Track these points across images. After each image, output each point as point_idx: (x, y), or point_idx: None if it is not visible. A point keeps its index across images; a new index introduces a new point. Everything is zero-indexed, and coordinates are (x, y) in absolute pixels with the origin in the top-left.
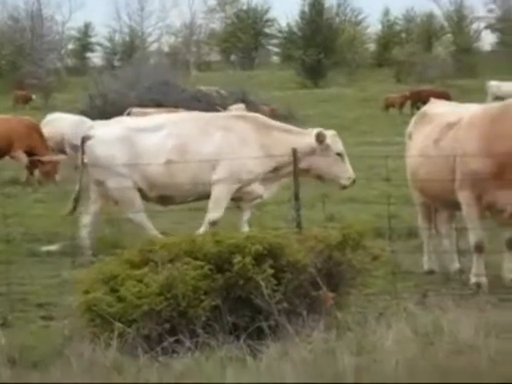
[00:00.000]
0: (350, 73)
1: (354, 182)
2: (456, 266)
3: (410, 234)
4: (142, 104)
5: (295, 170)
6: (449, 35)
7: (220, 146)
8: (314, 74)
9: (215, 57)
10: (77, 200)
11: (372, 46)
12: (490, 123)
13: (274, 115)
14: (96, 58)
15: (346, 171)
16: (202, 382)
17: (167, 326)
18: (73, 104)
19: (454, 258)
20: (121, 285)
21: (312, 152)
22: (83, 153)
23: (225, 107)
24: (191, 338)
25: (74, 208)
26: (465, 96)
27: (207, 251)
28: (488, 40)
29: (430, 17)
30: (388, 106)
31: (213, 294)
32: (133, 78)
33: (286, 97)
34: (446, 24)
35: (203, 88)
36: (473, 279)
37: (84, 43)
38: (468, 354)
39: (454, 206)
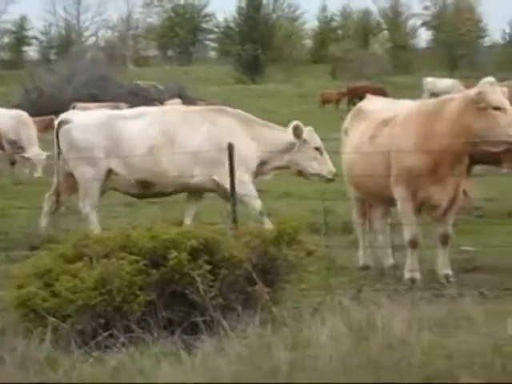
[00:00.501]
0: (287, 69)
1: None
2: (390, 261)
3: (345, 229)
4: (78, 99)
5: (231, 166)
6: (385, 32)
7: (207, 138)
8: (251, 69)
9: (152, 51)
10: (58, 193)
11: (309, 42)
12: (424, 120)
13: None
14: (32, 52)
15: (326, 165)
16: (136, 377)
17: (102, 321)
18: (7, 97)
19: (389, 253)
20: (55, 279)
21: (291, 147)
22: (58, 139)
23: (162, 102)
24: (126, 333)
25: (57, 201)
26: (401, 92)
27: (142, 246)
28: (424, 37)
29: (366, 13)
30: (324, 102)
31: (148, 289)
32: (69, 73)
33: (223, 92)
34: (382, 21)
35: (140, 83)
36: (407, 275)
37: (19, 36)
38: (401, 348)
39: (388, 201)
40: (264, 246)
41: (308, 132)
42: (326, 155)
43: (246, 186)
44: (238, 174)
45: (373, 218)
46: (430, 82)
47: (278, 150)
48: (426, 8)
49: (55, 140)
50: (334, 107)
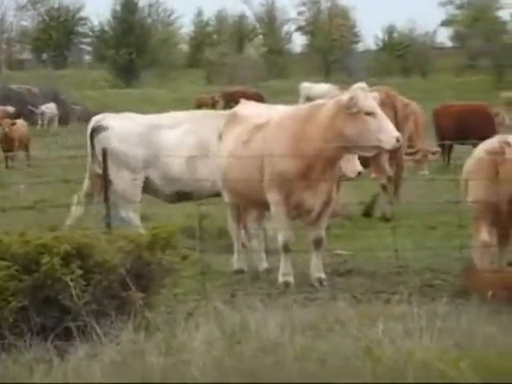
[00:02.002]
0: (163, 73)
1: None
2: (264, 265)
3: (220, 233)
4: None
5: (105, 170)
6: (260, 37)
7: None
8: (127, 73)
9: (27, 55)
10: (90, 194)
11: (184, 47)
12: (297, 124)
13: (86, 115)
14: None
15: (351, 163)
16: None
17: None
18: None
19: (263, 257)
20: None
21: None
22: (93, 145)
23: (36, 106)
24: None
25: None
26: (276, 97)
27: (14, 251)
28: (298, 42)
29: (242, 18)
30: (200, 106)
31: (20, 295)
32: None
33: (98, 96)
34: (257, 25)
35: (14, 87)
36: (280, 278)
37: None
38: (274, 351)
39: (262, 206)
40: (138, 251)
41: None
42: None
43: None
44: None
45: (248, 222)
46: (306, 86)
47: None
48: (300, 13)
49: (89, 142)
50: None
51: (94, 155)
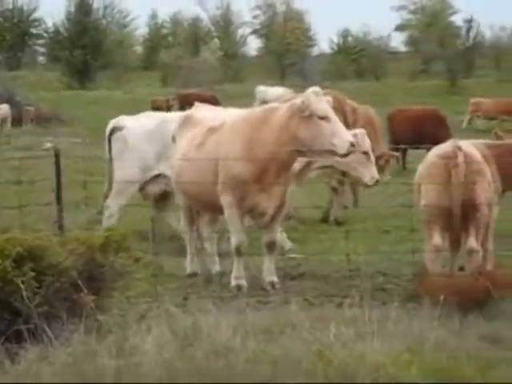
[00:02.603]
0: (118, 75)
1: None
2: (217, 268)
3: (173, 236)
4: None
5: (58, 172)
6: (216, 40)
7: None
8: (81, 75)
9: None
10: (106, 196)
11: (139, 49)
12: (251, 128)
13: (39, 116)
14: None
15: (369, 170)
16: None
17: None
18: None
19: (216, 260)
20: None
21: None
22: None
23: None
24: None
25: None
26: (231, 100)
27: None
28: (253, 45)
29: (197, 21)
30: (155, 108)
31: None
32: None
33: (53, 98)
34: (212, 28)
35: None
36: (233, 282)
37: None
38: (226, 354)
39: (216, 209)
40: (91, 253)
41: (361, 135)
42: (372, 161)
43: None
44: None
45: (201, 225)
46: (262, 90)
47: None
48: (255, 17)
49: (107, 145)
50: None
51: (111, 159)
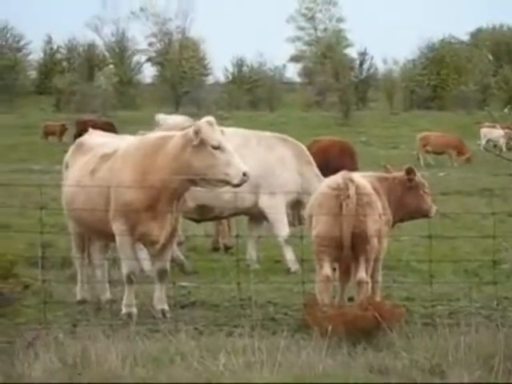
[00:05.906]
0: (10, 99)
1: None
2: (107, 296)
3: (64, 263)
4: None
5: None
6: (111, 66)
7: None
8: None
9: None
10: None
11: (33, 74)
12: (144, 155)
13: None
14: None
15: None
16: None
17: None
18: None
19: (106, 287)
20: None
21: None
22: None
23: None
24: None
25: None
26: (126, 127)
27: None
28: (148, 73)
29: (92, 46)
30: (47, 134)
31: None
32: None
33: None
34: (107, 55)
35: None
36: (124, 309)
37: None
38: (114, 382)
39: (108, 236)
40: None
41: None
42: None
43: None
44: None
45: (92, 252)
46: (161, 118)
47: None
48: (150, 44)
49: None
50: (57, 140)
51: None
